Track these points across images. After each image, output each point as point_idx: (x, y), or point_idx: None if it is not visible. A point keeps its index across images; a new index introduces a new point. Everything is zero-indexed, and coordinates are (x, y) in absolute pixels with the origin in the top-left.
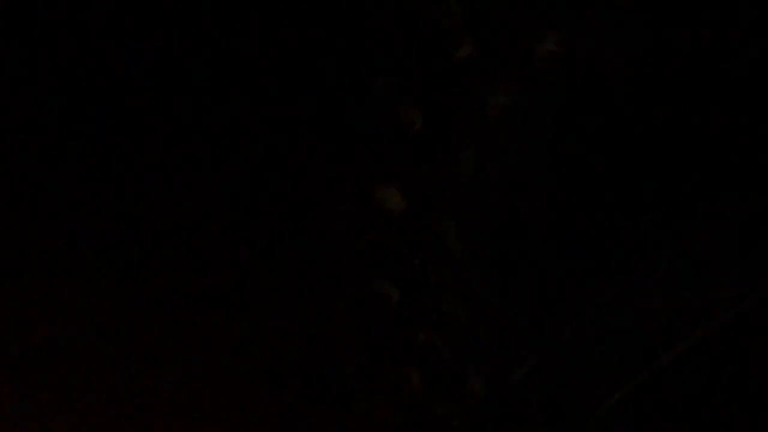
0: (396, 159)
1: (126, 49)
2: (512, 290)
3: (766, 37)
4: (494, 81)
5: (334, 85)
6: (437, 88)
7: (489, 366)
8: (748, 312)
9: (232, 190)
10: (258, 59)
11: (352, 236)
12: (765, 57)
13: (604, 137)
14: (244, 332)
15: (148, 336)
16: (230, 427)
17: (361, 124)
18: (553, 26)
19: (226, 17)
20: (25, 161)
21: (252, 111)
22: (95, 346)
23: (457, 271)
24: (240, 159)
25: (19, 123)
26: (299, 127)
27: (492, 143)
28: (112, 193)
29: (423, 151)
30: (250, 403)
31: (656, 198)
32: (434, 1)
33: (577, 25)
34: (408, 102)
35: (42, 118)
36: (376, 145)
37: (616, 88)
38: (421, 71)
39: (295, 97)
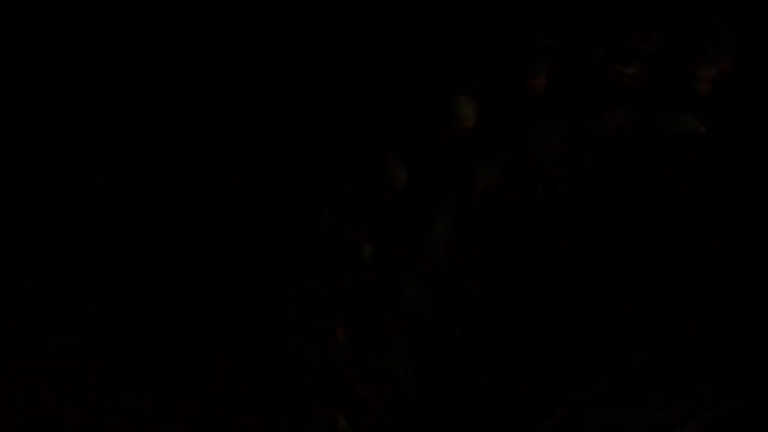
0: (342, 286)
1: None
2: (463, 419)
3: None
4: (436, 210)
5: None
6: (382, 218)
7: None
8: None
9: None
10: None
11: (303, 366)
12: None
13: (548, 268)
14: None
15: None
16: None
17: (307, 251)
18: (492, 158)
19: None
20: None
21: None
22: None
23: (405, 400)
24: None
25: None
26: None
27: (438, 271)
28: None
29: (368, 278)
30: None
31: (604, 328)
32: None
33: (517, 156)
34: (354, 230)
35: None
36: (323, 273)
37: (557, 222)
38: (365, 201)
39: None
